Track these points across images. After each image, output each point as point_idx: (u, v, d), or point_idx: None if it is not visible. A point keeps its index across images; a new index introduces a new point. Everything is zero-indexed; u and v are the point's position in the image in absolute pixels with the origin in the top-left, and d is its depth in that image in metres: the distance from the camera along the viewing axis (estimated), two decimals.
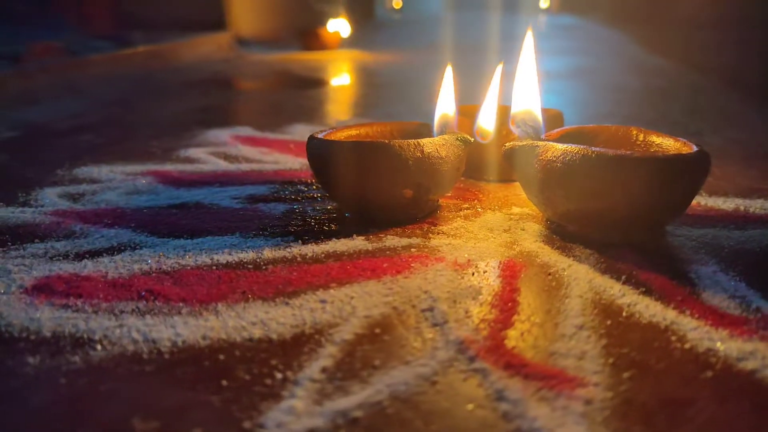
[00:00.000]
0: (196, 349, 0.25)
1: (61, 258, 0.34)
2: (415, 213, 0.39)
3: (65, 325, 0.27)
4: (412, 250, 0.35)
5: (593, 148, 0.34)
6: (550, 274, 0.32)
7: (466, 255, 0.34)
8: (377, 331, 0.26)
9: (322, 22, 1.46)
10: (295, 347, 0.25)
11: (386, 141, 0.37)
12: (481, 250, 0.35)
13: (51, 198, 0.44)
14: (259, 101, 0.92)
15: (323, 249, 0.35)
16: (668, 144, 0.38)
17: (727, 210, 0.41)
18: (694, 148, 0.35)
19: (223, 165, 0.54)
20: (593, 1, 3.15)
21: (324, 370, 0.24)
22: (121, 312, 0.28)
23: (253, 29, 1.53)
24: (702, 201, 0.43)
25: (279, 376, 0.23)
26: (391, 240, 0.36)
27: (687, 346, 0.25)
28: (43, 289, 0.30)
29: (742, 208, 0.42)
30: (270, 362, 0.24)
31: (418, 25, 3.03)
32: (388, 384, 0.23)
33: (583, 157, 0.34)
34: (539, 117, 0.39)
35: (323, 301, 0.29)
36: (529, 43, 0.41)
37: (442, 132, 0.41)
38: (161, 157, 0.56)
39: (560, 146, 0.35)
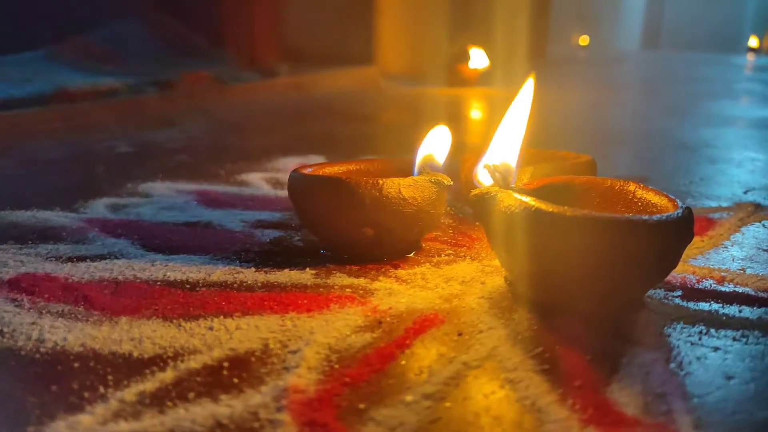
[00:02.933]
0: (64, 354, 0.27)
1: (53, 259, 0.39)
2: (380, 253, 0.38)
3: None
4: (347, 290, 0.34)
5: (535, 203, 0.30)
6: (460, 335, 0.29)
7: (392, 303, 0.32)
8: (225, 365, 0.26)
9: (466, 58, 1.47)
10: (141, 367, 0.26)
11: (343, 178, 0.36)
12: (414, 299, 0.33)
13: (98, 207, 0.50)
14: (362, 133, 0.95)
15: (266, 278, 0.36)
16: (662, 203, 0.33)
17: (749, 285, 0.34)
18: (672, 213, 0.30)
19: (264, 190, 0.57)
20: None
21: (140, 393, 0.24)
22: (48, 312, 0.31)
23: (399, 64, 1.59)
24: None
25: (101, 391, 0.24)
26: (337, 278, 0.36)
27: None
28: (12, 283, 0.35)
29: None
30: (107, 378, 0.25)
31: (596, 64, 2.90)
32: (177, 419, 0.22)
33: (524, 210, 0.30)
34: (511, 164, 0.36)
35: (210, 328, 0.29)
36: (528, 90, 0.38)
37: (420, 172, 0.40)
38: (219, 179, 0.61)
39: (511, 198, 0.32)
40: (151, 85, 1.00)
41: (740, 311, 0.32)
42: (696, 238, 0.43)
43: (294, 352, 0.27)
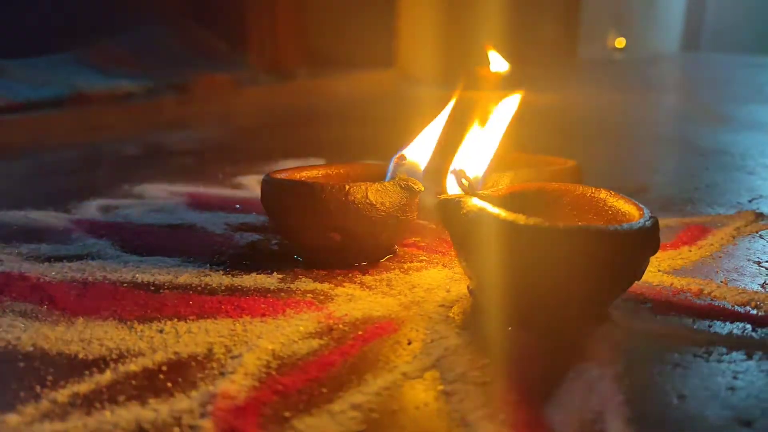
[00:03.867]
0: (14, 353, 0.28)
1: (32, 259, 0.40)
2: (350, 258, 0.38)
3: None
4: (308, 295, 0.34)
5: (493, 210, 0.29)
6: (409, 343, 0.28)
7: (349, 309, 0.32)
8: (164, 368, 0.26)
9: (486, 61, 1.45)
10: (82, 368, 0.26)
11: (308, 182, 0.36)
12: (373, 306, 0.32)
13: (88, 209, 0.51)
14: (372, 136, 0.95)
15: (232, 282, 0.36)
16: (631, 212, 0.32)
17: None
18: (633, 223, 0.29)
19: (256, 193, 0.57)
20: None
21: (73, 394, 0.24)
22: (11, 311, 0.32)
23: (420, 67, 1.58)
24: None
25: (37, 391, 0.25)
26: (301, 282, 0.36)
27: None
28: None
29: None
30: (47, 378, 0.26)
31: (631, 65, 2.84)
32: (101, 421, 0.23)
33: (480, 218, 0.29)
34: (476, 169, 0.35)
35: (161, 331, 0.30)
36: (511, 104, 0.38)
37: (393, 176, 0.39)
38: (215, 181, 0.61)
39: (472, 205, 0.31)
40: (168, 88, 1.02)
41: (710, 326, 0.30)
42: (684, 248, 0.41)
43: (235, 357, 0.27)
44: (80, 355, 0.27)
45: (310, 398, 0.24)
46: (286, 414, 0.23)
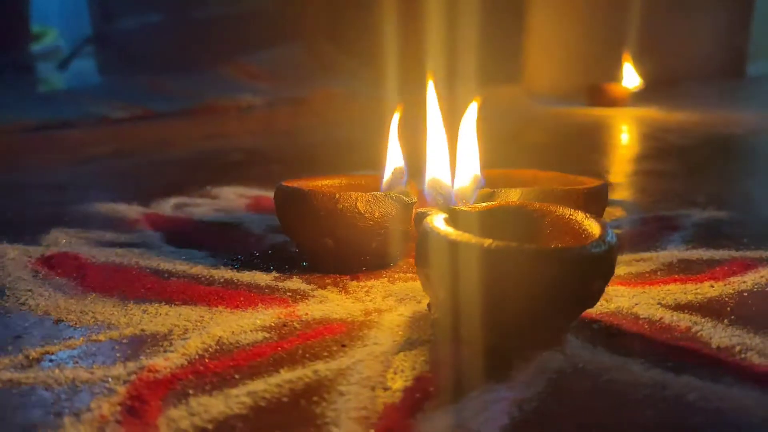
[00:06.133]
0: (26, 316, 0.33)
1: (92, 243, 0.46)
2: (351, 265, 0.40)
3: None
4: (287, 294, 0.36)
5: (440, 228, 0.30)
6: (343, 346, 0.30)
7: (312, 309, 0.34)
8: (123, 341, 0.30)
9: (614, 77, 1.38)
10: (65, 334, 0.31)
11: (303, 189, 0.39)
12: (336, 309, 0.34)
13: (165, 205, 0.58)
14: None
15: (231, 276, 0.39)
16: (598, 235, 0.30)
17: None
18: (580, 246, 0.27)
19: None
20: None
21: (45, 353, 0.29)
22: (49, 283, 0.38)
23: (546, 83, 1.54)
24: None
25: (20, 346, 0.30)
26: (291, 282, 0.38)
27: None
28: (46, 259, 0.43)
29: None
30: (34, 337, 0.31)
31: None
32: (49, 376, 0.27)
33: (430, 235, 0.30)
34: (448, 184, 0.35)
35: (144, 311, 0.34)
36: (471, 114, 0.38)
37: (389, 188, 0.40)
38: None
39: (430, 219, 0.32)
40: (286, 100, 1.11)
41: (670, 369, 0.28)
42: (707, 283, 0.37)
43: (185, 339, 0.30)
44: (71, 324, 0.32)
45: (220, 381, 0.26)
46: (190, 392, 0.26)
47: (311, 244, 0.40)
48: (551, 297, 0.28)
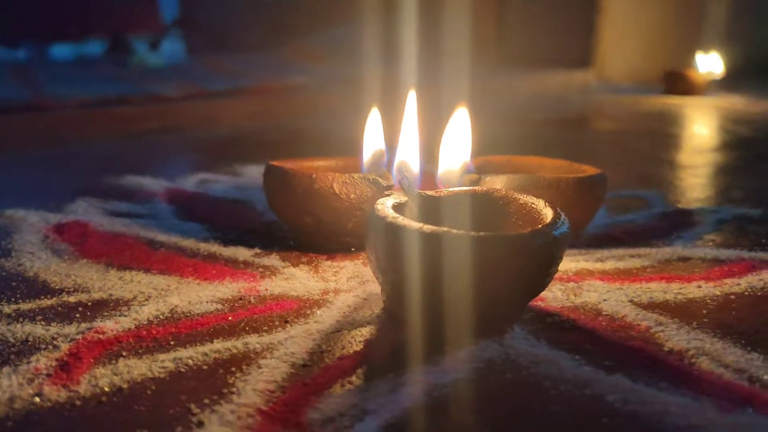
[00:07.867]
0: (18, 275, 0.36)
1: (106, 213, 0.49)
2: (324, 243, 0.40)
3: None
4: (259, 269, 0.37)
5: (383, 209, 0.30)
6: (286, 322, 0.30)
7: (274, 286, 0.35)
8: (89, 304, 0.32)
9: (692, 63, 1.29)
10: (43, 294, 0.33)
11: (283, 167, 0.39)
12: (297, 287, 0.35)
13: (189, 181, 0.61)
14: (521, 136, 0.92)
15: (216, 250, 0.41)
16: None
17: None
18: (523, 233, 0.27)
19: None
20: None
21: (17, 309, 0.31)
22: (51, 248, 0.41)
23: (618, 69, 1.46)
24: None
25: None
26: (268, 259, 0.39)
27: None
28: (58, 226, 0.46)
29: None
30: (15, 294, 0.33)
31: None
32: (12, 331, 0.29)
33: (372, 217, 0.30)
34: (414, 168, 0.34)
35: (121, 278, 0.36)
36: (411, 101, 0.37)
37: (368, 169, 0.40)
38: None
39: (379, 203, 0.31)
40: (337, 83, 1.12)
41: (579, 366, 0.26)
42: (694, 283, 0.35)
43: (142, 305, 0.32)
44: (53, 285, 0.35)
45: (154, 347, 0.28)
46: (123, 354, 0.27)
47: (293, 222, 0.40)
48: (485, 284, 0.27)
